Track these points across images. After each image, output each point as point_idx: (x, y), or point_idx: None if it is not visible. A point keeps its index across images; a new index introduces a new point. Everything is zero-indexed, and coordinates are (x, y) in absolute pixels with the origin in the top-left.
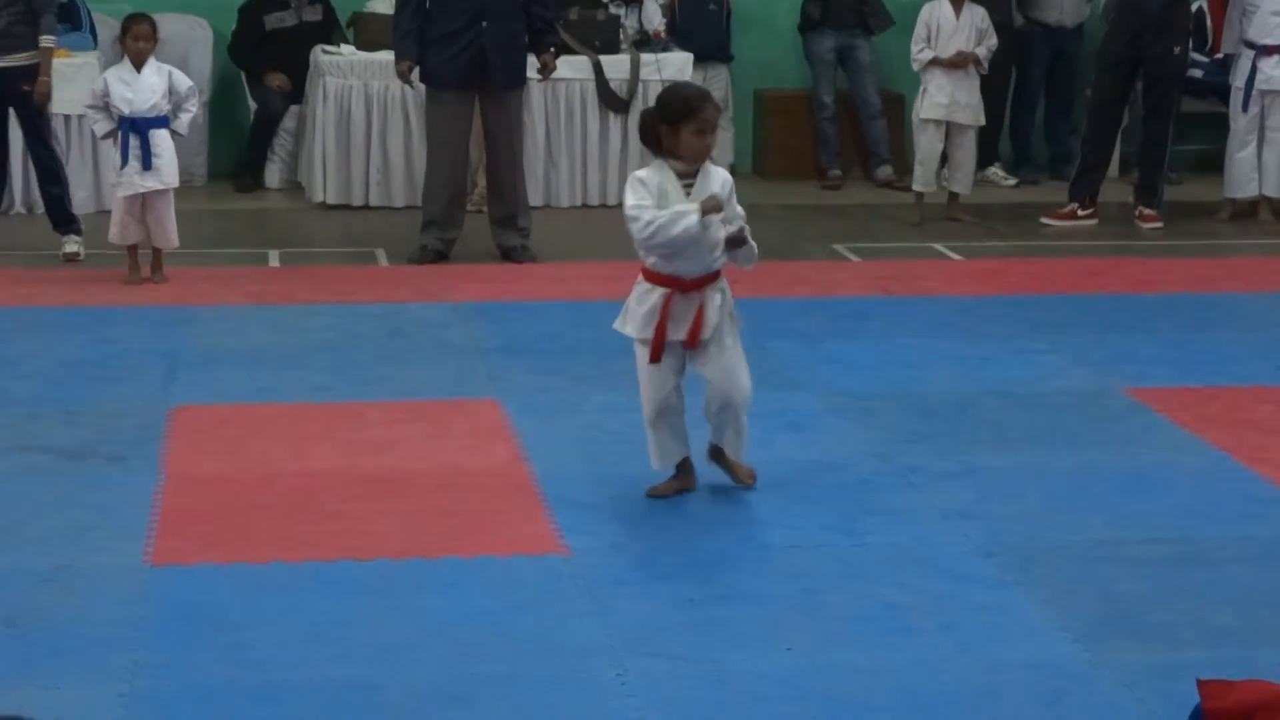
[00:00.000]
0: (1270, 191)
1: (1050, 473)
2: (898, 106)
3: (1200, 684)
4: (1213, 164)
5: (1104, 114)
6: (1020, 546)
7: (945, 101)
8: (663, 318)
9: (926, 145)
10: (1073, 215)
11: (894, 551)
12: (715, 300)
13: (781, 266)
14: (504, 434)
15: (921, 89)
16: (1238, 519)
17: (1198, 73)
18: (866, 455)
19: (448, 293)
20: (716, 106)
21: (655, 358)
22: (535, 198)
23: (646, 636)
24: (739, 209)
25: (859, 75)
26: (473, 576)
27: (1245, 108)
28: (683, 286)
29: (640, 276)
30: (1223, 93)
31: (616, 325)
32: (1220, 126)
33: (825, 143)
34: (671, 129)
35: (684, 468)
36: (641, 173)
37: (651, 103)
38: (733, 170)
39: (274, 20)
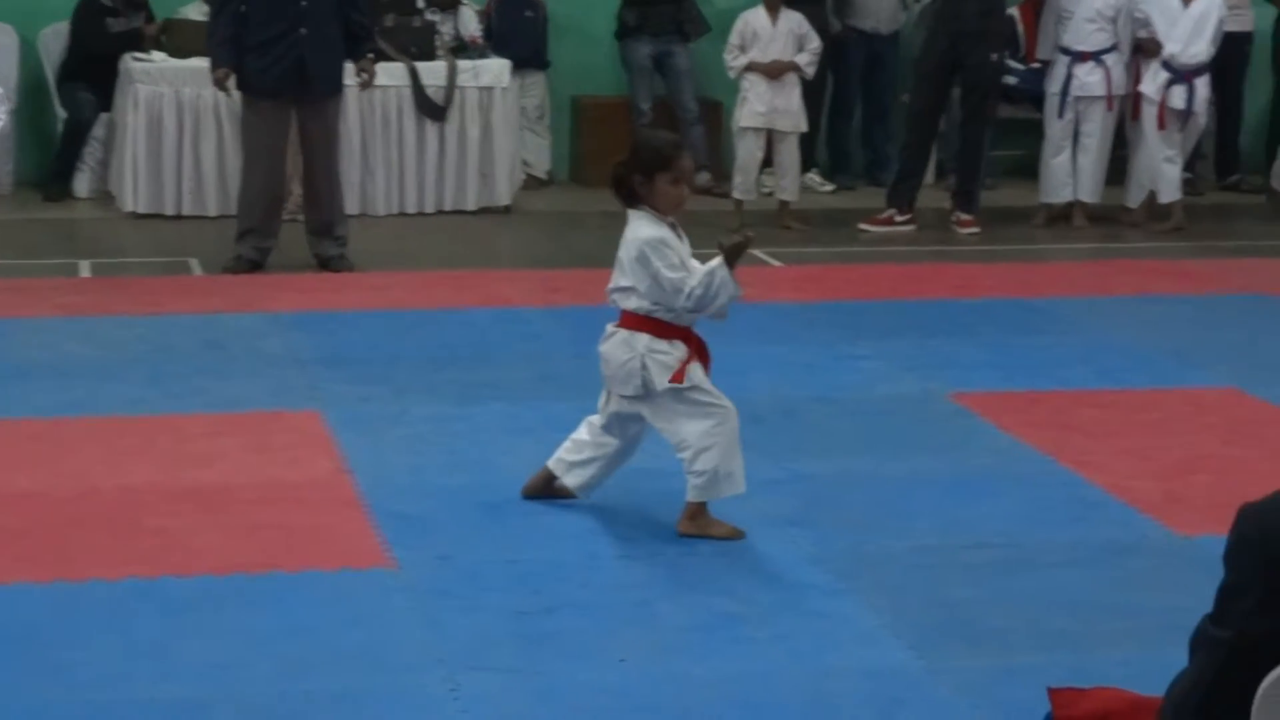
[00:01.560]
0: (1084, 196)
1: (877, 479)
2: (715, 113)
3: (1051, 692)
4: (1028, 170)
5: (921, 121)
6: (850, 553)
7: (764, 109)
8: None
9: (745, 153)
10: (890, 221)
11: (724, 560)
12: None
13: (602, 274)
14: (326, 446)
15: (741, 96)
16: (1065, 523)
17: (1013, 80)
18: None
19: (264, 303)
20: (690, 156)
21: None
22: (352, 206)
23: (478, 650)
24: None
25: (676, 82)
26: (299, 592)
27: (1060, 114)
28: (686, 334)
29: (649, 336)
30: (1038, 99)
31: (669, 382)
32: (1035, 133)
33: None
34: (647, 179)
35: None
36: (652, 232)
37: (469, 110)
38: (550, 178)
39: (119, 24)
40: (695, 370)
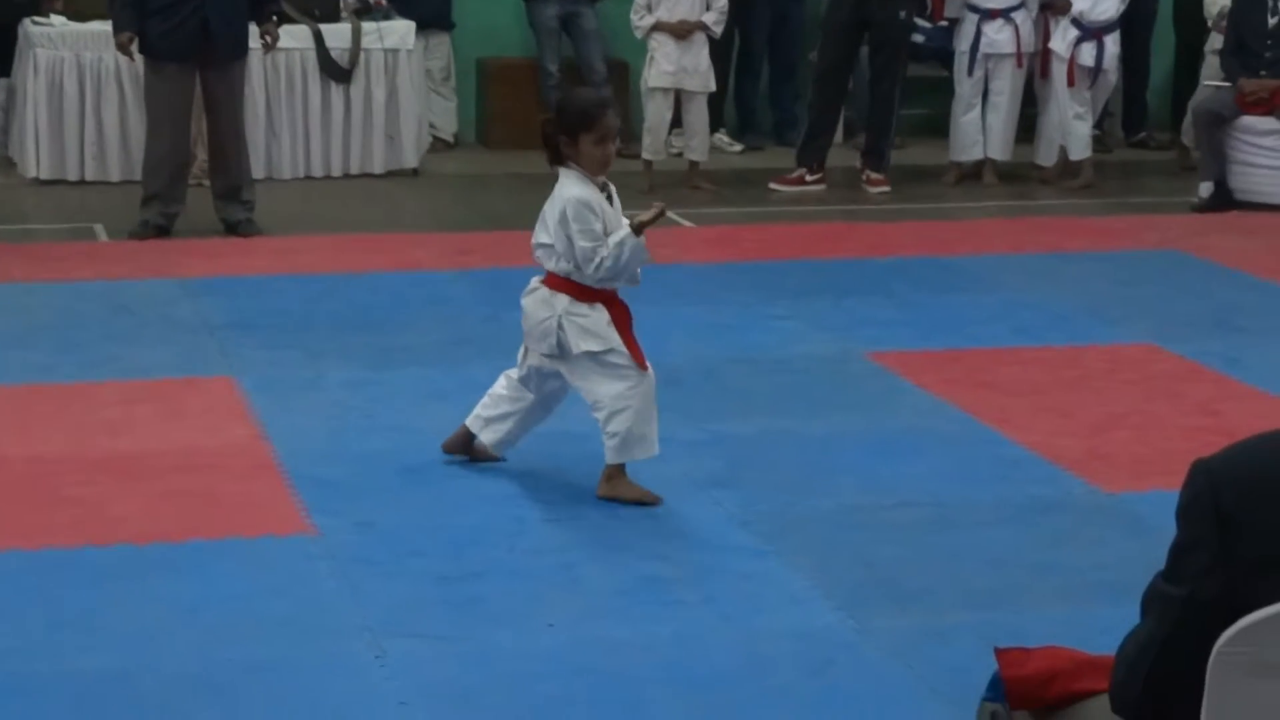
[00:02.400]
0: (994, 154)
1: (799, 439)
2: (623, 74)
3: (998, 652)
4: (937, 128)
5: (829, 80)
6: (776, 514)
7: (673, 69)
8: (627, 333)
9: (655, 113)
10: (800, 180)
11: (650, 523)
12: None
13: (511, 236)
14: (241, 412)
15: (648, 57)
16: (988, 481)
17: (921, 38)
18: None
19: (172, 268)
20: (616, 115)
21: (644, 363)
22: (258, 170)
23: (403, 616)
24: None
25: (584, 43)
26: (220, 560)
27: (970, 72)
28: (609, 298)
29: (569, 298)
30: (946, 58)
31: (584, 347)
32: (944, 91)
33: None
34: (570, 139)
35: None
36: (578, 192)
37: (374, 72)
38: (456, 141)
39: None
40: (612, 333)
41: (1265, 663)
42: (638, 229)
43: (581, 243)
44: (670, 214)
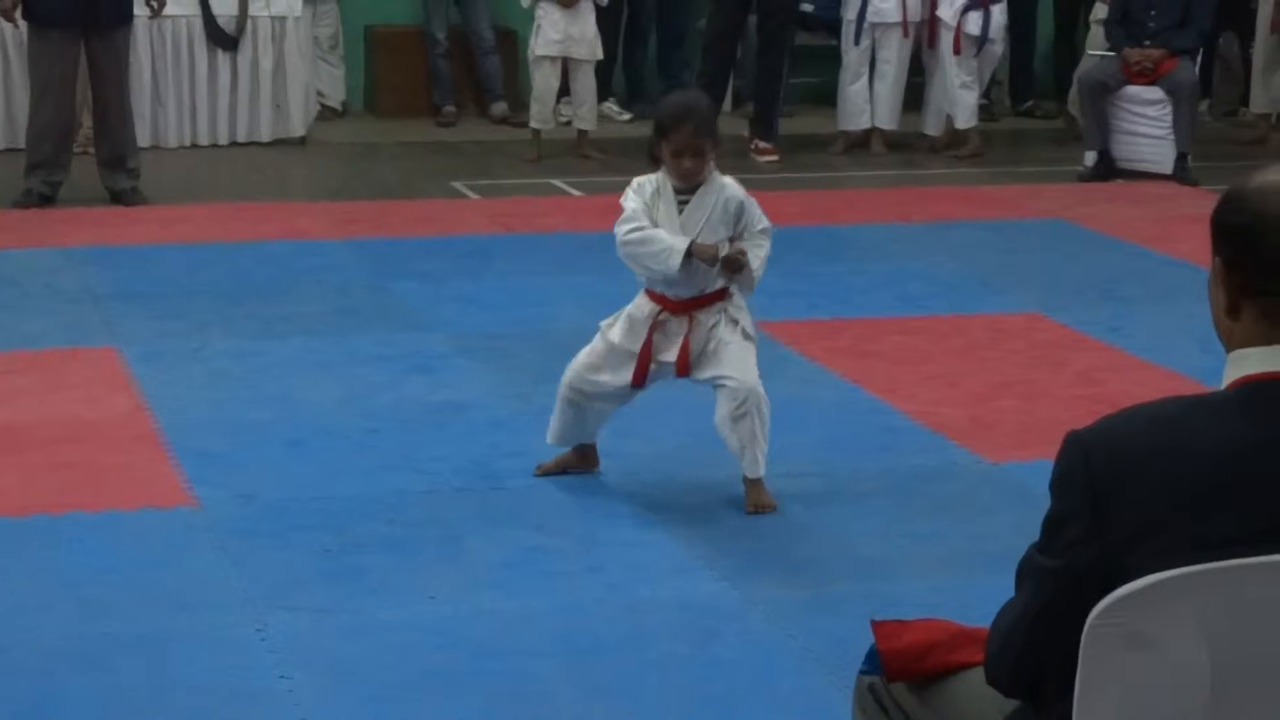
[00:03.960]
0: (882, 123)
1: (683, 407)
2: (511, 42)
3: (874, 624)
4: (825, 97)
5: (718, 48)
6: (660, 484)
7: (559, 37)
8: (648, 338)
9: (542, 81)
10: None
11: (534, 494)
12: (707, 324)
13: (399, 206)
14: (124, 383)
15: (535, 25)
16: (874, 451)
17: (809, 7)
18: (499, 396)
19: (56, 238)
20: (700, 127)
21: (638, 380)
22: (143, 138)
23: (285, 589)
24: (761, 222)
25: (472, 10)
26: (100, 532)
27: (857, 41)
28: (669, 307)
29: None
30: (834, 27)
31: (605, 323)
32: (832, 60)
33: (438, 79)
34: (656, 142)
35: (585, 450)
36: (643, 177)
37: (261, 40)
38: (344, 109)
39: None
40: (634, 332)
41: (1138, 634)
42: (701, 252)
43: (626, 205)
44: (558, 182)
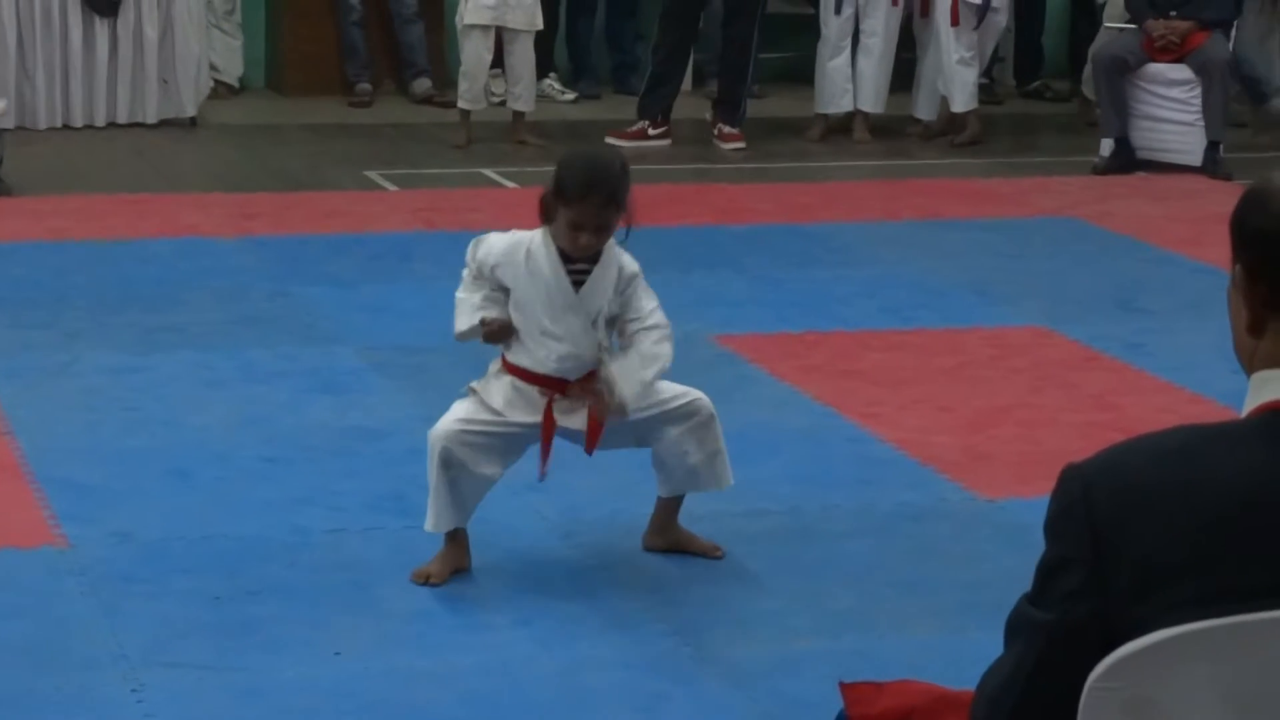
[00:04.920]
0: (866, 105)
1: None
2: (436, 8)
3: (843, 687)
4: (801, 75)
5: (677, 18)
6: (603, 523)
7: (493, 4)
8: (549, 411)
9: (473, 54)
10: (642, 134)
11: None
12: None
13: (305, 198)
14: None
15: None
16: (851, 485)
17: None
18: (418, 420)
19: None
20: (612, 199)
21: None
22: (6, 118)
23: (165, 643)
24: (649, 304)
25: None
26: None
27: (838, 10)
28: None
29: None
30: None
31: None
32: (810, 32)
33: (352, 52)
34: (554, 203)
35: (457, 539)
36: (512, 236)
37: (146, 5)
38: (242, 85)
39: None
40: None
41: (1143, 699)
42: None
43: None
44: (489, 172)
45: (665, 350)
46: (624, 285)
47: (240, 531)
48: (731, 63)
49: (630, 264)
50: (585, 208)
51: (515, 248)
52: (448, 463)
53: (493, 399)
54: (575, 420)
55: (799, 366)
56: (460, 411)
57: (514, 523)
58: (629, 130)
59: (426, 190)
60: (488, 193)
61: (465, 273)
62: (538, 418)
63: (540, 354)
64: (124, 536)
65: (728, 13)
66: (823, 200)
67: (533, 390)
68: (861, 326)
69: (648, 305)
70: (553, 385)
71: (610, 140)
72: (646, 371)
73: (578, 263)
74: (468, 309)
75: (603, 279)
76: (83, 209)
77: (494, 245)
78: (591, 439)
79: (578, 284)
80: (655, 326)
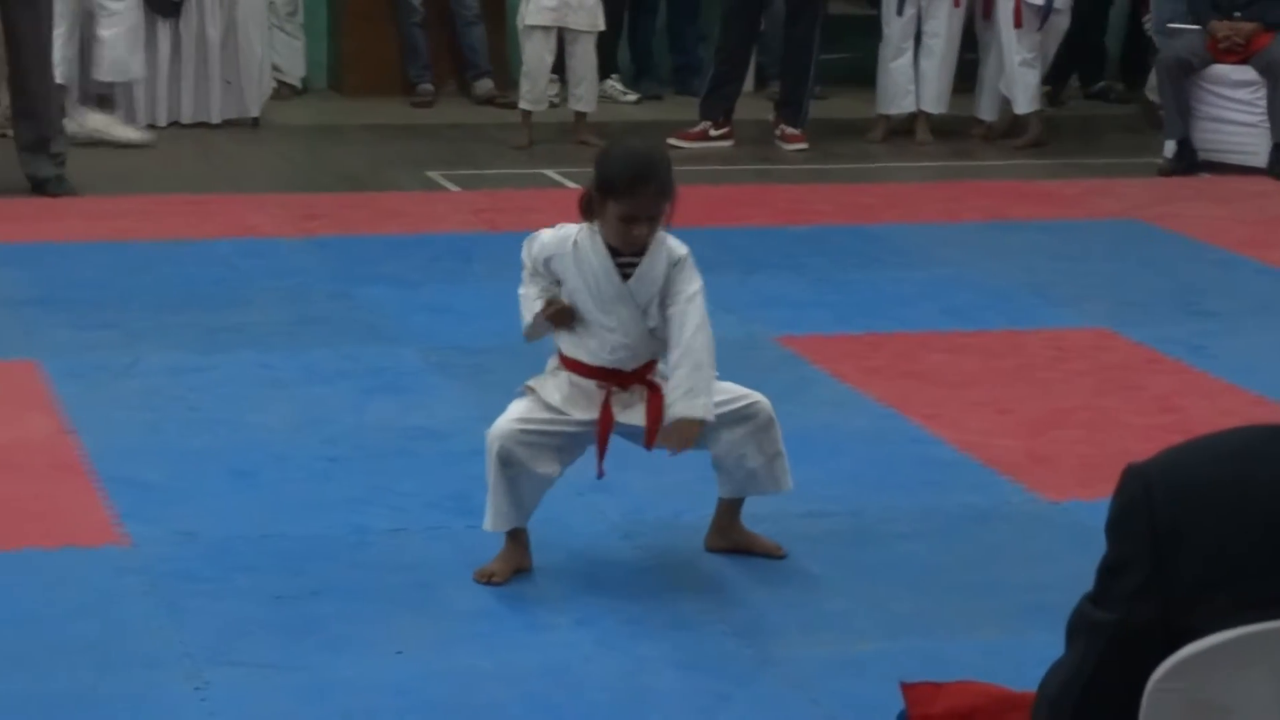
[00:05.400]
0: (928, 106)
1: None
2: (499, 10)
3: (904, 687)
4: (864, 76)
5: (739, 18)
6: (665, 524)
7: (555, 4)
8: (606, 405)
9: (534, 55)
10: (704, 135)
11: None
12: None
13: (367, 199)
14: (44, 401)
15: None
16: (913, 487)
17: None
18: (479, 420)
19: None
20: (662, 189)
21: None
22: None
23: (228, 642)
24: (690, 287)
25: None
26: (15, 574)
27: (900, 11)
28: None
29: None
30: None
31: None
32: (871, 33)
33: (414, 53)
34: (600, 198)
35: (518, 538)
36: (560, 231)
37: (209, 6)
38: (304, 86)
39: None
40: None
41: (1205, 701)
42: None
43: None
44: (550, 173)
45: (700, 342)
46: (672, 267)
47: (302, 531)
48: (793, 64)
49: (678, 247)
50: (637, 199)
51: (564, 240)
52: (506, 462)
53: (550, 396)
54: (634, 415)
55: (861, 368)
56: (518, 410)
57: (576, 523)
58: (691, 131)
59: (488, 191)
60: (549, 193)
61: (524, 272)
62: (595, 414)
63: (593, 345)
64: (186, 535)
65: (789, 14)
66: (884, 201)
67: (590, 384)
68: (923, 328)
69: (688, 289)
70: (609, 377)
71: (672, 141)
72: (698, 378)
73: (624, 257)
74: (529, 302)
75: (652, 269)
76: (146, 209)
77: (545, 239)
78: (651, 434)
79: (625, 276)
80: (690, 296)
